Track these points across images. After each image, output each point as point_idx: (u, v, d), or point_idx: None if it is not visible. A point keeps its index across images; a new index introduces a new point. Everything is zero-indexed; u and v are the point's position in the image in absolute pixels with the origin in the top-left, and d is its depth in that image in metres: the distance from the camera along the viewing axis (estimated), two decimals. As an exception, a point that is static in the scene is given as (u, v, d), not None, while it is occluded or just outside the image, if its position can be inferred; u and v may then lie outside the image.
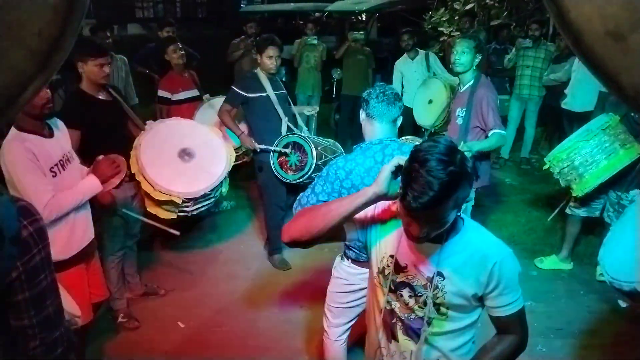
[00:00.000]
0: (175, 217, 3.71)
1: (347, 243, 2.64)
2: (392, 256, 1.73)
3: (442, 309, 1.69)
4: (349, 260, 2.69)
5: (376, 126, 2.54)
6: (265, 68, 4.26)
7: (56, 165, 2.61)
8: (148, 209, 3.68)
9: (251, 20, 7.47)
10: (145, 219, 3.62)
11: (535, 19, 7.03)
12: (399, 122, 2.60)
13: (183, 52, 5.03)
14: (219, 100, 4.93)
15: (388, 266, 1.74)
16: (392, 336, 1.80)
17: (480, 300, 1.68)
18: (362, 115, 2.58)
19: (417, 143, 2.51)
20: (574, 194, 3.98)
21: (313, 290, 4.13)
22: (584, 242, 4.68)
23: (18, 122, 2.50)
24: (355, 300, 2.74)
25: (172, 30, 5.96)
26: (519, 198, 6.05)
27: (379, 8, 9.54)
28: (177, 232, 3.63)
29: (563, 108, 6.08)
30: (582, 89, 5.61)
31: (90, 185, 2.76)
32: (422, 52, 6.60)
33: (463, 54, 3.82)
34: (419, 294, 1.69)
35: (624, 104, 0.69)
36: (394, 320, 1.79)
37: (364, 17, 9.66)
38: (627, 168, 3.76)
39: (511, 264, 1.65)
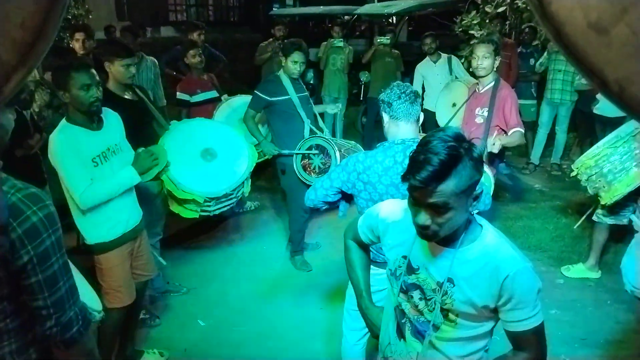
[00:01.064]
0: (198, 216, 3.76)
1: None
2: (404, 257, 1.73)
3: (451, 316, 1.65)
4: None
5: (401, 126, 2.53)
6: (289, 72, 4.29)
7: (98, 156, 2.74)
8: (171, 208, 3.74)
9: (279, 23, 7.51)
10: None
11: (568, 22, 6.86)
12: (421, 120, 2.60)
13: (202, 56, 5.11)
14: (237, 100, 4.98)
15: (400, 267, 1.74)
16: (401, 335, 1.80)
17: (495, 311, 1.62)
18: (386, 117, 2.57)
19: None
20: (602, 202, 3.87)
21: (334, 293, 4.12)
22: (613, 250, 4.55)
23: (69, 114, 2.71)
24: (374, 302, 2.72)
25: (201, 33, 6.04)
26: (548, 204, 5.92)
27: (408, 11, 9.47)
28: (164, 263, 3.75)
29: (595, 113, 5.91)
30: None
31: (128, 176, 2.85)
32: (444, 55, 6.55)
33: (485, 59, 3.87)
34: (428, 297, 1.67)
35: (610, 101, 0.67)
36: (403, 320, 1.78)
37: (394, 20, 9.62)
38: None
39: (526, 279, 1.55)
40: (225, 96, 5.12)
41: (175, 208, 3.73)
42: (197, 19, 12.54)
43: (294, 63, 4.24)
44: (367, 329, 2.81)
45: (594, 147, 3.94)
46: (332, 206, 2.73)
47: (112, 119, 2.93)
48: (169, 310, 3.92)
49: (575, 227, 4.61)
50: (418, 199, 1.48)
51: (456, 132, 1.48)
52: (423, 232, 1.54)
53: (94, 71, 2.71)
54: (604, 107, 5.76)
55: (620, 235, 4.41)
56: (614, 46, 0.63)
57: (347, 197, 2.68)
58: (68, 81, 2.62)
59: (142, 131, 3.59)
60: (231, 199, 3.80)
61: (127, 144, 3.02)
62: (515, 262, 1.56)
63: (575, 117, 6.81)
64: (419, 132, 2.64)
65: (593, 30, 0.63)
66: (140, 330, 3.62)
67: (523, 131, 3.88)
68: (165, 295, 4.08)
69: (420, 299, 1.70)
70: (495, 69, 3.95)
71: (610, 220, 4.11)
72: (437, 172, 1.40)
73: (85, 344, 1.54)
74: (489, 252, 1.58)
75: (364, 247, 2.09)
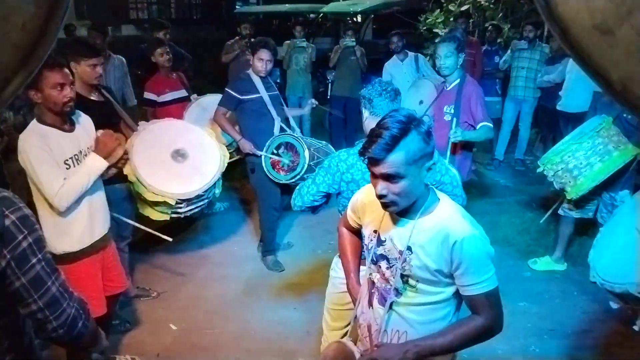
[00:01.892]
0: (169, 218, 3.70)
1: None
2: (375, 231, 1.89)
3: (411, 281, 1.79)
4: None
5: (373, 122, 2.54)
6: (256, 70, 4.27)
7: (70, 159, 2.64)
8: (140, 211, 3.66)
9: (246, 21, 7.45)
10: (139, 225, 3.58)
11: (530, 20, 7.03)
12: None
13: (170, 54, 5.01)
14: (207, 99, 4.92)
15: (371, 240, 1.90)
16: (370, 303, 1.95)
17: (451, 277, 1.74)
18: (366, 113, 2.58)
19: None
20: (568, 197, 3.97)
21: (306, 292, 4.12)
22: (578, 243, 4.68)
23: (40, 115, 2.60)
24: (350, 300, 2.73)
25: (167, 32, 5.93)
26: (514, 199, 6.05)
27: (373, 10, 9.54)
28: (169, 238, 3.58)
29: (558, 110, 6.08)
30: (576, 89, 5.61)
31: (93, 163, 2.71)
32: (411, 54, 6.62)
33: (448, 58, 3.90)
34: (391, 265, 1.82)
35: (614, 100, 0.68)
36: (373, 290, 1.94)
37: (359, 19, 9.66)
38: (621, 170, 3.76)
39: (473, 245, 1.67)
40: (194, 96, 5.04)
41: (145, 210, 3.66)
42: (159, 17, 12.33)
43: (260, 61, 4.22)
44: (346, 330, 2.83)
45: (559, 143, 4.03)
46: (319, 208, 2.73)
47: (84, 122, 2.83)
48: (140, 315, 3.83)
49: (541, 221, 4.71)
50: (374, 171, 1.66)
51: (408, 112, 1.68)
52: (382, 202, 1.71)
53: (67, 70, 2.62)
54: (566, 103, 5.94)
55: (584, 228, 4.54)
56: (618, 47, 0.64)
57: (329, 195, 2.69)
58: (41, 80, 2.51)
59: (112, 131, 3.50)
60: (203, 199, 3.76)
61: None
62: (463, 229, 1.69)
63: (538, 113, 6.97)
64: None
65: (598, 31, 0.64)
66: (110, 336, 3.53)
67: (491, 125, 3.93)
68: (135, 300, 3.99)
69: (387, 268, 1.84)
70: (460, 66, 3.98)
71: (576, 214, 4.23)
72: (387, 144, 1.59)
73: (91, 332, 1.55)
74: (442, 221, 1.72)
75: (356, 233, 2.18)
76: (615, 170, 3.73)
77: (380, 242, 1.86)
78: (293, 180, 4.00)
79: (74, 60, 3.31)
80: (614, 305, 3.80)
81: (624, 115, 3.84)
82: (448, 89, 4.04)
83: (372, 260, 1.90)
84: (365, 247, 1.97)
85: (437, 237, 1.70)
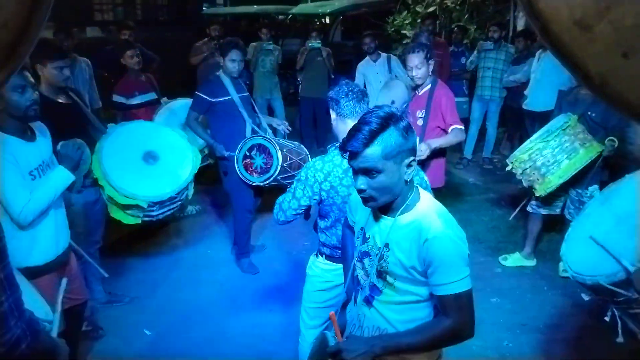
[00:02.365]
0: (140, 221, 3.64)
1: (322, 241, 2.68)
2: (362, 229, 1.91)
3: (389, 278, 1.79)
4: (324, 256, 2.70)
5: (348, 124, 2.55)
6: (228, 71, 4.23)
7: (36, 169, 2.54)
8: (111, 215, 3.60)
9: (214, 22, 7.40)
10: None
11: (495, 21, 7.18)
12: None
13: (140, 57, 4.94)
14: (177, 103, 4.85)
15: (358, 237, 1.93)
16: (355, 300, 1.98)
17: (425, 276, 1.73)
18: (333, 115, 2.59)
19: None
20: (536, 194, 4.05)
21: (281, 294, 4.11)
22: (547, 238, 4.79)
23: (0, 124, 2.45)
24: (330, 299, 2.75)
25: (131, 33, 5.85)
26: (482, 197, 6.16)
27: (342, 11, 9.59)
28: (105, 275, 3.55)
29: (524, 109, 6.22)
30: (541, 88, 5.75)
31: (60, 175, 2.63)
32: (384, 55, 6.67)
33: (419, 69, 3.86)
34: (372, 262, 1.84)
35: (593, 95, 0.70)
36: (358, 287, 1.96)
37: (327, 20, 9.69)
38: (587, 166, 3.86)
39: (444, 244, 1.66)
40: (165, 99, 4.98)
41: (116, 214, 3.59)
42: (124, 19, 12.14)
43: (232, 62, 4.19)
44: (324, 327, 2.84)
45: (527, 141, 4.11)
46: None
47: (42, 131, 2.72)
48: (113, 321, 3.75)
49: (510, 218, 4.81)
50: (353, 166, 1.69)
51: (389, 109, 1.69)
52: (361, 197, 1.73)
53: (27, 72, 2.54)
54: (531, 102, 6.07)
55: (552, 224, 4.65)
56: (596, 42, 0.66)
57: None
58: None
59: (78, 136, 3.42)
60: (175, 202, 3.71)
61: (54, 157, 2.79)
62: (435, 227, 1.68)
63: (505, 112, 7.12)
64: None
65: (577, 26, 0.66)
66: (83, 342, 3.46)
67: (462, 127, 3.94)
68: (108, 305, 3.91)
69: (369, 265, 1.86)
70: (429, 63, 3.93)
71: (544, 211, 4.33)
72: (365, 138, 1.62)
73: (40, 354, 1.48)
74: (417, 218, 1.72)
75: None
76: (581, 167, 3.83)
77: (364, 240, 1.88)
78: (267, 182, 3.99)
79: (39, 62, 3.23)
80: (585, 297, 3.88)
81: (589, 113, 3.95)
82: (420, 94, 4.02)
83: (357, 257, 1.93)
84: (355, 243, 1.99)
85: (411, 234, 1.71)
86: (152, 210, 3.55)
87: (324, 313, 2.80)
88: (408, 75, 4.05)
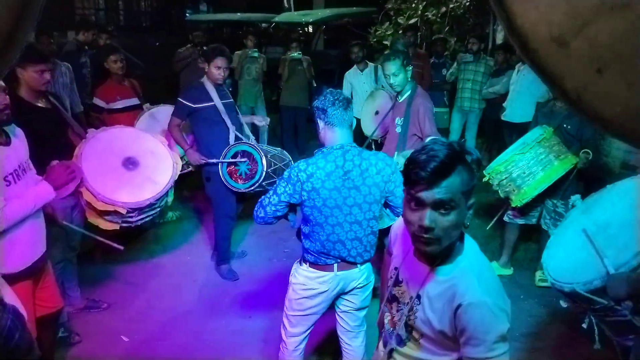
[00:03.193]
0: (118, 227, 3.61)
1: (306, 247, 2.68)
2: (396, 268, 1.73)
3: (415, 334, 1.61)
4: (308, 264, 2.71)
5: (336, 132, 2.60)
6: (213, 78, 4.21)
7: (11, 174, 2.49)
8: (89, 220, 3.56)
9: (197, 29, 7.40)
10: (88, 233, 3.49)
11: (474, 33, 7.30)
12: (353, 126, 2.68)
13: (124, 62, 4.93)
14: (160, 109, 4.82)
15: (391, 277, 1.74)
16: (378, 344, 1.82)
17: (456, 342, 1.51)
18: (321, 124, 2.62)
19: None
20: (512, 205, 4.11)
21: (261, 301, 4.10)
22: (523, 248, 4.86)
23: None
24: (313, 307, 2.76)
25: (107, 37, 5.82)
26: (461, 207, 6.21)
27: (325, 20, 9.66)
28: (120, 247, 3.48)
29: (502, 120, 6.32)
30: (520, 100, 5.86)
31: (43, 192, 2.62)
32: (371, 64, 6.73)
33: (396, 76, 3.87)
34: (400, 310, 1.67)
35: (570, 109, 0.74)
36: (382, 331, 1.80)
37: (310, 29, 9.75)
38: (562, 178, 3.94)
39: (479, 314, 1.43)
40: (147, 105, 4.94)
41: (93, 220, 3.55)
42: (107, 24, 12.06)
43: (217, 69, 4.17)
44: (305, 335, 2.84)
45: (503, 153, 4.18)
46: (282, 218, 2.74)
47: (19, 134, 2.67)
48: (90, 327, 3.70)
49: (487, 227, 4.87)
50: (423, 197, 1.41)
51: (449, 142, 1.47)
52: (425, 237, 1.44)
53: None
54: (510, 113, 6.17)
55: (529, 234, 4.73)
56: (572, 58, 0.69)
57: (293, 206, 2.71)
58: None
59: (58, 140, 3.40)
60: (155, 208, 3.69)
61: (30, 162, 2.75)
62: (472, 293, 1.45)
63: (483, 124, 7.22)
64: None
65: (555, 43, 0.69)
66: (60, 349, 3.42)
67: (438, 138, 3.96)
68: (85, 311, 3.87)
69: (397, 311, 1.68)
70: (410, 78, 3.97)
71: (520, 221, 4.41)
72: (444, 165, 1.38)
73: (27, 344, 1.50)
74: (455, 277, 1.50)
75: None
76: (556, 178, 3.91)
77: (397, 282, 1.70)
78: (252, 188, 3.99)
79: (19, 65, 3.17)
80: (563, 304, 3.95)
81: (564, 125, 4.04)
82: (400, 101, 4.04)
83: (387, 299, 1.75)
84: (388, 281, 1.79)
85: (446, 294, 1.50)
86: (132, 217, 3.52)
87: (306, 321, 2.81)
88: (387, 83, 4.09)
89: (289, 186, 2.55)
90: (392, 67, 3.86)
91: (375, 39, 8.79)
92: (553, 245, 2.82)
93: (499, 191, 4.15)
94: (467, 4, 8.17)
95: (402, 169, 3.44)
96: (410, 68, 3.95)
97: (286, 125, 7.79)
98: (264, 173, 3.91)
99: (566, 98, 0.73)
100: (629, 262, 2.23)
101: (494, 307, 1.44)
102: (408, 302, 1.61)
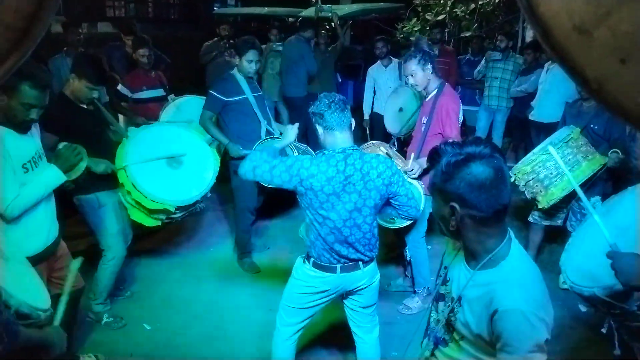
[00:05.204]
0: (161, 224, 3.67)
1: (312, 239, 2.69)
2: (445, 267, 1.74)
3: (456, 335, 1.61)
4: (311, 262, 2.72)
5: (337, 136, 2.61)
6: (244, 71, 4.20)
7: (29, 162, 2.56)
8: (132, 217, 3.62)
9: (224, 22, 7.44)
10: None
11: (503, 31, 7.19)
12: (353, 125, 2.67)
13: (152, 57, 5.04)
14: (183, 100, 4.86)
15: (440, 276, 1.75)
16: (423, 342, 1.82)
17: (494, 347, 1.49)
18: (320, 129, 2.63)
19: (380, 152, 2.60)
20: (539, 206, 4.04)
21: (282, 294, 4.11)
22: (548, 250, 4.78)
23: None
24: (312, 301, 2.79)
25: (131, 38, 5.87)
26: (486, 206, 6.13)
27: (352, 16, 9.61)
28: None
29: (530, 119, 6.22)
30: (548, 100, 5.76)
31: (52, 175, 2.66)
32: (395, 60, 6.67)
33: (413, 76, 3.75)
34: (443, 310, 1.67)
35: (591, 99, 0.73)
36: (429, 326, 1.79)
37: (339, 24, 9.72)
38: (590, 179, 3.86)
39: (514, 322, 1.41)
40: (171, 96, 5.00)
41: (136, 217, 3.59)
42: (136, 16, 12.23)
43: (249, 62, 4.17)
44: (301, 325, 2.86)
45: (530, 153, 4.10)
46: None
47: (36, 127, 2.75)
48: (113, 314, 3.78)
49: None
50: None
51: (492, 144, 1.52)
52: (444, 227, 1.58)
53: (45, 92, 2.51)
54: (538, 113, 6.07)
55: (554, 235, 4.65)
56: (594, 47, 0.68)
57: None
58: (15, 87, 2.39)
59: (99, 140, 3.45)
60: (196, 204, 3.74)
61: (42, 150, 2.82)
62: (510, 299, 1.43)
63: (510, 122, 7.12)
64: (368, 138, 2.72)
65: (576, 31, 0.68)
66: (86, 334, 3.50)
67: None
68: (109, 298, 3.94)
69: (442, 311, 1.68)
70: (433, 76, 3.78)
71: (545, 222, 4.33)
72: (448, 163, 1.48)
73: (17, 350, 1.48)
74: (495, 281, 1.49)
75: None
76: (584, 179, 3.83)
77: (445, 281, 1.70)
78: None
79: (77, 73, 3.32)
80: (582, 308, 3.90)
81: (592, 125, 3.96)
82: (427, 99, 3.90)
83: (434, 297, 1.74)
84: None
85: (484, 298, 1.49)
86: (176, 213, 3.59)
87: (303, 314, 2.84)
88: (409, 85, 4.00)
89: (286, 174, 2.54)
90: (409, 67, 3.75)
91: (402, 35, 8.72)
92: (572, 247, 2.77)
93: (526, 192, 4.08)
94: (497, 0, 8.04)
95: (415, 175, 3.38)
96: (430, 67, 3.75)
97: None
98: None
99: (588, 88, 0.71)
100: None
101: (532, 315, 1.41)
102: (450, 304, 1.62)
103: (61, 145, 2.84)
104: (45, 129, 3.02)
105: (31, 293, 1.96)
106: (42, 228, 2.71)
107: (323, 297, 2.77)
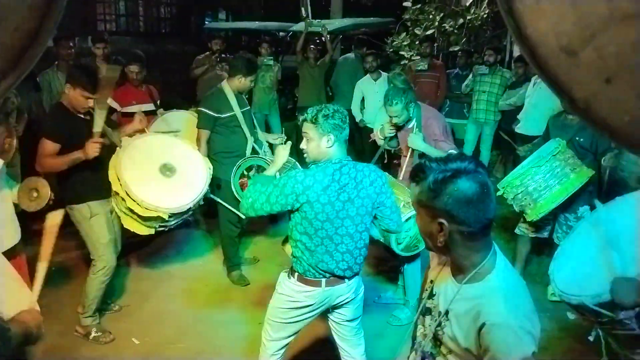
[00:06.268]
0: (154, 232, 3.67)
1: (297, 256, 2.68)
2: (431, 281, 1.73)
3: (443, 349, 1.62)
4: (296, 276, 2.71)
5: (333, 147, 2.62)
6: (241, 89, 4.26)
7: None
8: (125, 226, 3.63)
9: (216, 37, 7.47)
10: None
11: (491, 45, 7.28)
12: (347, 139, 2.70)
13: (143, 73, 5.10)
14: (172, 115, 4.86)
15: (426, 290, 1.75)
16: (409, 357, 1.81)
17: None
18: (316, 140, 2.63)
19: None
20: (528, 219, 4.07)
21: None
22: (536, 262, 4.82)
23: None
24: (297, 315, 2.78)
25: (104, 46, 5.89)
26: (475, 219, 6.16)
27: (342, 30, 9.69)
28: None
29: (517, 132, 6.28)
30: (535, 113, 5.82)
31: None
32: (384, 74, 6.73)
33: (398, 117, 3.89)
34: (430, 325, 1.68)
35: (579, 118, 0.74)
36: (415, 342, 1.79)
37: (328, 37, 9.80)
38: (577, 191, 3.91)
39: (501, 336, 1.42)
40: (160, 110, 5.00)
41: (130, 225, 3.60)
42: (127, 29, 12.24)
43: (251, 82, 4.27)
44: (287, 341, 2.86)
45: (519, 167, 4.13)
46: None
47: None
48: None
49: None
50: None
51: (477, 162, 1.53)
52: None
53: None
54: (525, 126, 6.13)
55: (542, 247, 4.69)
56: (581, 67, 0.70)
57: None
58: None
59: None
60: (189, 211, 3.75)
61: None
62: (497, 313, 1.44)
63: (499, 136, 7.18)
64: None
65: (564, 52, 0.70)
66: (78, 349, 3.46)
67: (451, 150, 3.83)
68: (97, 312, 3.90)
69: (429, 325, 1.69)
70: (410, 107, 3.90)
71: (532, 234, 4.37)
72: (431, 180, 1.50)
73: None
74: (482, 295, 1.50)
75: None
76: (573, 191, 3.87)
77: (431, 294, 1.70)
78: None
79: (72, 83, 3.37)
80: (570, 316, 3.90)
81: (577, 138, 4.02)
82: (409, 126, 4.00)
83: (420, 311, 1.74)
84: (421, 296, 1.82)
85: (471, 312, 1.50)
86: (169, 221, 3.59)
87: (289, 328, 2.83)
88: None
89: (282, 197, 2.53)
90: (396, 110, 3.86)
91: (391, 49, 8.80)
92: (561, 256, 2.80)
93: (514, 205, 4.11)
94: (485, 15, 8.15)
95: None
96: (410, 94, 3.92)
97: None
98: None
99: (575, 107, 0.73)
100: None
101: (518, 329, 1.42)
102: (437, 317, 1.62)
103: None
104: (45, 137, 3.21)
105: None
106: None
107: (308, 312, 2.77)
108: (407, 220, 3.42)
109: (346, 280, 2.71)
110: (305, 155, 2.68)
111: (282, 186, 2.54)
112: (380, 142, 4.20)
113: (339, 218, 2.56)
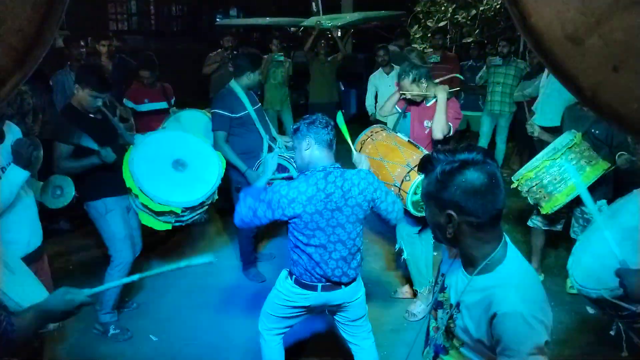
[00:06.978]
0: (171, 227, 3.74)
1: (294, 259, 2.71)
2: (443, 275, 1.73)
3: (455, 342, 1.61)
4: (293, 278, 2.74)
5: (316, 154, 2.64)
6: (251, 84, 4.26)
7: (2, 168, 2.59)
8: (142, 222, 3.71)
9: (227, 33, 7.49)
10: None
11: (504, 36, 7.20)
12: (334, 145, 2.70)
13: (155, 77, 5.12)
14: (183, 113, 4.88)
15: (437, 283, 1.75)
16: (424, 351, 1.82)
17: (494, 351, 1.49)
18: (300, 148, 2.67)
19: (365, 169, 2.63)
20: (542, 212, 4.01)
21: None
22: (554, 255, 4.77)
23: None
24: (291, 313, 2.83)
25: (109, 43, 5.94)
26: (491, 211, 6.12)
27: (353, 24, 9.66)
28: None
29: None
30: (550, 104, 5.74)
31: (13, 173, 2.60)
32: (396, 67, 6.68)
33: (411, 91, 3.88)
34: (442, 317, 1.67)
35: (585, 106, 0.73)
36: (427, 337, 1.80)
37: (339, 33, 9.77)
38: (593, 184, 3.85)
39: (513, 324, 1.41)
40: (173, 109, 5.03)
41: (147, 221, 3.67)
42: (138, 29, 12.33)
43: (257, 75, 4.25)
44: (281, 331, 2.94)
45: (534, 159, 4.08)
46: None
47: (14, 131, 2.74)
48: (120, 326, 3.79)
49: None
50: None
51: (485, 152, 1.51)
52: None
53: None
54: (540, 117, 6.05)
55: (560, 240, 4.64)
56: (587, 55, 0.69)
57: None
58: None
59: (110, 146, 3.47)
60: (204, 206, 3.78)
61: None
62: (508, 303, 1.43)
63: (514, 127, 7.11)
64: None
65: (569, 41, 0.69)
66: (91, 346, 3.50)
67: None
68: (115, 310, 3.95)
69: (440, 318, 1.69)
70: (430, 83, 3.87)
71: (544, 227, 4.32)
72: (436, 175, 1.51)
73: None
74: (493, 286, 1.49)
75: None
76: (589, 184, 3.81)
77: (442, 288, 1.70)
78: None
79: (80, 83, 3.41)
80: (590, 310, 3.88)
81: (593, 130, 3.95)
82: (428, 105, 3.94)
83: (432, 304, 1.74)
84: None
85: (483, 303, 1.49)
86: (184, 215, 3.63)
87: (282, 321, 2.90)
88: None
89: (269, 211, 2.55)
90: (405, 85, 3.88)
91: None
92: (579, 251, 2.76)
93: (529, 198, 4.07)
94: (498, 6, 8.07)
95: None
96: (424, 80, 3.86)
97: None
98: None
99: (582, 96, 0.72)
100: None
101: (530, 318, 1.41)
102: (449, 310, 1.62)
103: (13, 143, 2.72)
104: (57, 139, 3.21)
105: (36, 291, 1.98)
106: (23, 234, 2.71)
107: (304, 312, 2.82)
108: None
109: (343, 286, 2.73)
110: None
111: (268, 201, 2.56)
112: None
113: (329, 226, 2.58)
